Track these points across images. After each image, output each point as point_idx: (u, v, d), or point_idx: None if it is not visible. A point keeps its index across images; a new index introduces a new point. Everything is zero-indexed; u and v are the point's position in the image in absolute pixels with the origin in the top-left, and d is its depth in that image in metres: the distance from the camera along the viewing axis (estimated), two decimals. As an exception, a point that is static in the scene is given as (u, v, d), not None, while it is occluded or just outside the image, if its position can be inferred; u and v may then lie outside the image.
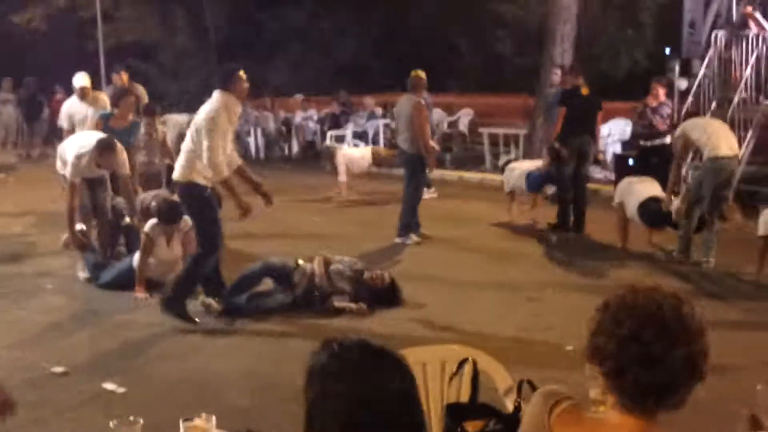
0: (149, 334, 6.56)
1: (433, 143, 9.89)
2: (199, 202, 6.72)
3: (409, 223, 9.72)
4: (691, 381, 1.90)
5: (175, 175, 6.79)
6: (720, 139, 8.52)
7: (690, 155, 9.58)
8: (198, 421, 2.57)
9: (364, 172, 13.68)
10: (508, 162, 11.69)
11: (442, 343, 5.03)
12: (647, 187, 9.21)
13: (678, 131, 8.76)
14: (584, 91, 10.31)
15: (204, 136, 6.49)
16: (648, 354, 1.86)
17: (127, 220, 8.38)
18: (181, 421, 2.56)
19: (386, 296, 7.20)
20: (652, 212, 8.86)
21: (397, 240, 9.66)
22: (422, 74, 9.76)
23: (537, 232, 10.36)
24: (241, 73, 6.69)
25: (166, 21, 28.75)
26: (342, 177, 13.06)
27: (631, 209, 9.02)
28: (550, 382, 2.06)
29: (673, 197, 8.79)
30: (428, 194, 12.72)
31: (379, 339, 5.60)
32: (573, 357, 5.48)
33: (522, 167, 11.09)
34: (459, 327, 6.61)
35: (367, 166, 13.58)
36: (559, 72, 13.28)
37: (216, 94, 6.65)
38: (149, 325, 6.76)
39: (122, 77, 11.12)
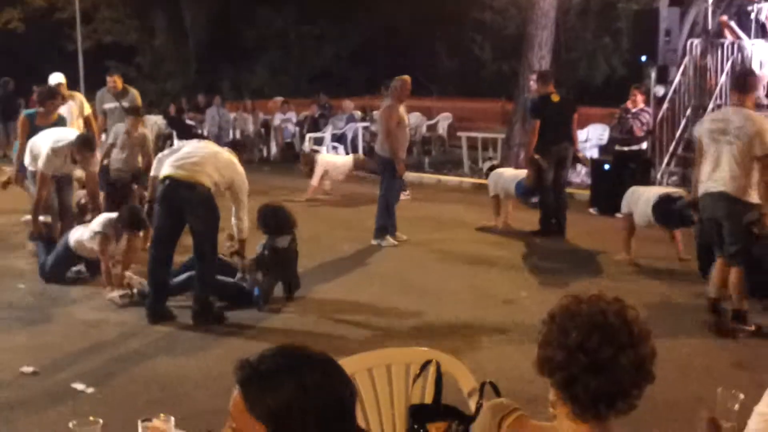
0: (120, 334, 6.54)
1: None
2: (215, 207, 6.74)
3: (384, 226, 9.73)
4: (639, 384, 1.93)
5: (200, 178, 6.61)
6: None
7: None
8: (156, 422, 2.54)
9: (343, 178, 13.69)
10: (492, 167, 11.53)
11: (413, 345, 5.07)
12: (655, 189, 9.04)
13: (696, 132, 8.40)
14: (555, 98, 10.25)
15: (243, 197, 6.92)
16: (596, 361, 1.89)
17: (89, 217, 8.50)
18: (139, 422, 2.55)
19: None
20: (667, 211, 8.38)
21: (373, 242, 9.68)
22: (405, 79, 9.71)
23: (517, 236, 10.32)
24: None
25: (145, 23, 28.67)
26: (314, 181, 13.11)
27: (642, 214, 8.55)
28: (521, 383, 2.08)
29: None
30: (402, 196, 12.75)
31: (347, 337, 5.63)
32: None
33: (509, 173, 10.92)
34: (432, 329, 6.62)
35: (347, 172, 13.58)
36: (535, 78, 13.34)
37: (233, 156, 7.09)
38: (121, 324, 6.75)
39: (116, 80, 11.24)
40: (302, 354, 1.86)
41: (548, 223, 10.23)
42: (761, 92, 12.29)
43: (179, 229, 6.87)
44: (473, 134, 16.84)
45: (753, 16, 12.36)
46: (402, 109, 9.75)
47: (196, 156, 6.71)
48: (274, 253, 7.29)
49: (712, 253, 6.79)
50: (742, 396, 2.46)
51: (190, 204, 6.61)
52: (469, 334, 6.53)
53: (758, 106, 12.22)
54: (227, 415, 1.86)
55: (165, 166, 6.74)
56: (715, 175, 6.37)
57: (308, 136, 17.60)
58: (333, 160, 13.87)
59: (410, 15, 23.79)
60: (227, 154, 6.98)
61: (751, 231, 6.38)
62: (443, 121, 19.06)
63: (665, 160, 12.54)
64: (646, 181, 11.46)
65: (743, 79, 6.58)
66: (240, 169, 6.94)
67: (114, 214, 7.75)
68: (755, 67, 12.32)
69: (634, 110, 11.87)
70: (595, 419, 1.94)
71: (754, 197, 6.27)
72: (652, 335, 1.95)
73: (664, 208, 8.32)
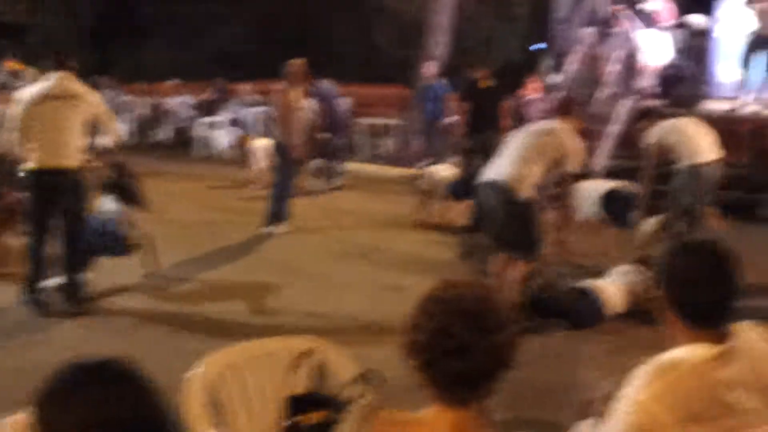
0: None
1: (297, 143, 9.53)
2: (83, 186, 6.70)
3: (277, 212, 9.55)
4: (498, 369, 1.96)
5: (68, 162, 6.47)
6: (700, 143, 7.65)
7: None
8: (21, 415, 2.38)
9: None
10: (429, 164, 10.77)
11: (299, 334, 4.97)
12: (600, 183, 8.62)
13: (652, 138, 7.86)
14: (483, 84, 10.04)
15: (101, 114, 6.78)
16: (457, 345, 1.92)
17: None
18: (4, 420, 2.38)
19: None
20: (615, 207, 7.95)
21: (265, 229, 9.51)
22: (299, 62, 9.52)
23: (412, 227, 10.06)
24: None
25: (34, 1, 27.69)
26: (254, 166, 12.80)
27: (590, 206, 8.17)
28: (406, 370, 2.05)
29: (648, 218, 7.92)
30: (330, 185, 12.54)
31: (235, 326, 5.46)
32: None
33: (444, 173, 10.10)
34: (320, 317, 6.54)
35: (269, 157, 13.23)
36: (431, 64, 13.32)
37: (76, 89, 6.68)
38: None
39: (9, 64, 10.87)
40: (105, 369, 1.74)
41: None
42: (651, 82, 12.59)
43: (51, 214, 6.65)
44: (372, 121, 16.79)
45: (643, 6, 12.62)
46: (297, 93, 9.57)
47: (54, 134, 6.45)
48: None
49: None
50: (614, 381, 2.49)
51: (60, 189, 6.52)
52: (356, 322, 6.48)
53: (654, 96, 12.58)
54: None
55: (31, 155, 6.48)
56: (498, 163, 6.30)
57: (204, 119, 17.27)
58: (264, 145, 13.03)
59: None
60: (72, 93, 6.55)
61: (530, 225, 6.26)
62: (342, 107, 18.92)
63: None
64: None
65: (564, 103, 6.69)
66: (81, 92, 6.61)
67: None
68: (644, 57, 12.60)
69: (527, 98, 11.99)
70: (458, 403, 1.96)
71: (525, 193, 6.13)
72: (512, 323, 1.99)
73: (612, 202, 8.01)
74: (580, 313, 6.38)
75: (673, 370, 2.23)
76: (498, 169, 6.26)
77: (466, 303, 1.96)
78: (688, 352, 2.27)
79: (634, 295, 6.55)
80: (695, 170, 7.59)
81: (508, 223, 6.21)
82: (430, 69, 13.13)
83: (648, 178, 7.88)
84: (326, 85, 12.74)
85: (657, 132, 7.80)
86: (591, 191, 8.26)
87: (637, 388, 2.24)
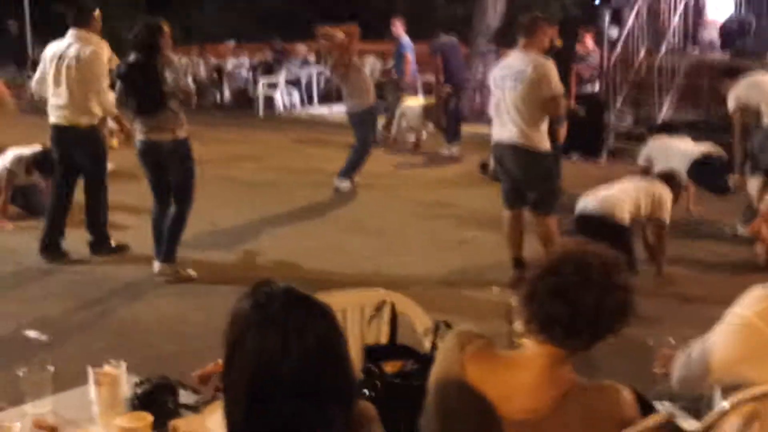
0: (73, 281, 6.47)
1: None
2: (95, 139, 6.86)
3: (349, 170, 9.64)
4: (597, 328, 1.98)
5: (70, 121, 6.65)
6: None
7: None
8: (107, 368, 2.52)
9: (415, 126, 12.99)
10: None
11: (368, 287, 5.10)
12: (691, 144, 7.86)
13: (732, 102, 7.41)
14: (558, 42, 9.88)
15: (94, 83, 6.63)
16: (560, 286, 1.96)
17: None
18: (89, 368, 2.52)
19: None
20: (706, 172, 7.44)
21: (335, 182, 9.58)
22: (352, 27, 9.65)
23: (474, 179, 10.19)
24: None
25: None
26: (401, 126, 12.87)
27: (677, 167, 7.33)
28: (476, 320, 2.12)
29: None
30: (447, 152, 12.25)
31: (304, 283, 5.58)
32: (497, 300, 5.58)
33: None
34: (387, 272, 6.64)
35: (417, 120, 12.89)
36: (397, 23, 13.13)
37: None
38: (73, 272, 6.67)
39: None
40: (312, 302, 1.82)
41: None
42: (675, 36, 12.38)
43: (74, 169, 6.89)
44: (429, 78, 16.71)
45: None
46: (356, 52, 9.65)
47: (64, 92, 6.60)
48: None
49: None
50: (672, 341, 2.61)
51: (73, 145, 6.76)
52: (425, 275, 6.56)
53: (712, 48, 12.37)
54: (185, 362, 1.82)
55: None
56: (505, 124, 6.05)
57: (262, 80, 17.39)
58: (410, 104, 13.10)
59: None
60: (87, 56, 6.56)
61: (552, 177, 6.24)
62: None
63: (618, 103, 12.58)
64: (599, 123, 11.53)
65: (530, 23, 6.11)
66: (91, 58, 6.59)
67: (25, 151, 7.95)
68: (709, 10, 12.39)
69: (581, 53, 11.83)
70: (552, 343, 1.99)
71: (544, 145, 6.03)
72: (630, 291, 2.00)
73: (704, 169, 7.47)
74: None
75: None
76: (510, 127, 6.04)
77: (586, 256, 2.01)
78: None
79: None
80: None
81: (534, 180, 6.13)
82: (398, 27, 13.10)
83: (739, 139, 7.43)
84: (446, 39, 12.55)
85: (738, 90, 7.41)
86: (679, 153, 7.66)
87: (745, 307, 2.35)
